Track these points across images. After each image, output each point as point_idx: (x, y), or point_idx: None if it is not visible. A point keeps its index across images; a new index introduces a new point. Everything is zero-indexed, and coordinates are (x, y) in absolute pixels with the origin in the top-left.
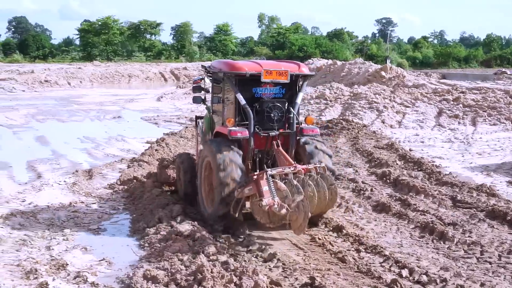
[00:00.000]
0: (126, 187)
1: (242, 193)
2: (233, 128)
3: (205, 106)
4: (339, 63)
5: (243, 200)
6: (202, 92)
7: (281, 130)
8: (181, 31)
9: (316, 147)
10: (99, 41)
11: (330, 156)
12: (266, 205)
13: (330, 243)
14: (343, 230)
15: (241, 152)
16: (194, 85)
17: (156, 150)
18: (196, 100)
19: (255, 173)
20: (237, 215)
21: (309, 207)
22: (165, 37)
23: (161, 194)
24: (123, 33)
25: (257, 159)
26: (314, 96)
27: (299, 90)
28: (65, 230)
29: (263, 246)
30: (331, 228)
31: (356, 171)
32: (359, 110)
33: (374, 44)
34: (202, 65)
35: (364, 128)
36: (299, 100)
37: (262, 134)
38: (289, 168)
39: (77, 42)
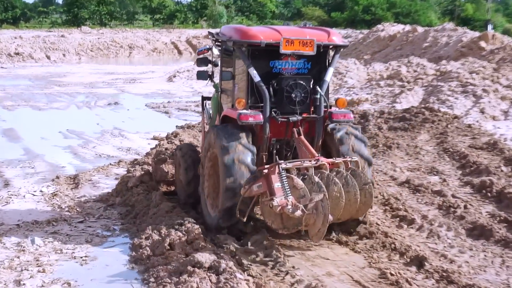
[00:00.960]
0: (124, 199)
1: (250, 190)
2: (244, 111)
3: (212, 83)
4: (420, 29)
5: (254, 200)
6: (209, 66)
7: (304, 115)
8: None
9: (346, 132)
10: (88, 1)
11: (365, 144)
12: (277, 206)
13: (407, 281)
14: (425, 263)
15: (254, 149)
16: (198, 56)
17: (166, 149)
18: (200, 75)
19: (266, 166)
20: (245, 219)
21: (334, 210)
22: None
23: (173, 210)
24: None
25: (274, 151)
26: (385, 76)
27: (329, 65)
28: (41, 258)
29: (314, 284)
30: (409, 260)
31: (444, 180)
32: (448, 96)
33: (470, 4)
34: (209, 32)
35: (455, 120)
36: (328, 77)
37: (280, 119)
38: (310, 161)
39: (59, 0)
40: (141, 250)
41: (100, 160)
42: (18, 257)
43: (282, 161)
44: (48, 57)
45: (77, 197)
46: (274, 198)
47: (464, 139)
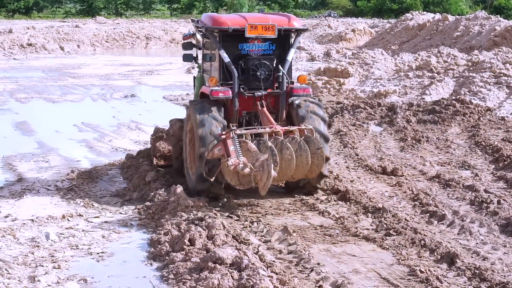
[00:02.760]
0: (142, 193)
1: (212, 153)
2: (215, 87)
3: (196, 65)
4: (451, 18)
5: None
6: (194, 49)
7: (269, 90)
8: None
9: (308, 111)
10: None
11: (324, 121)
12: (232, 165)
13: (437, 279)
14: (457, 260)
15: (224, 120)
16: (184, 41)
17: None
18: (186, 58)
19: (223, 132)
20: (212, 179)
21: (286, 170)
22: None
23: (195, 204)
24: None
25: (244, 122)
26: (414, 67)
27: (290, 46)
28: (56, 254)
29: (340, 281)
30: (439, 257)
31: (476, 174)
32: (480, 87)
33: None
34: (192, 19)
35: (488, 112)
36: (290, 57)
37: (247, 94)
38: (265, 128)
39: None
40: (159, 246)
41: (117, 154)
42: (33, 253)
43: (235, 128)
44: (62, 48)
45: (93, 192)
46: (229, 159)
47: (497, 132)
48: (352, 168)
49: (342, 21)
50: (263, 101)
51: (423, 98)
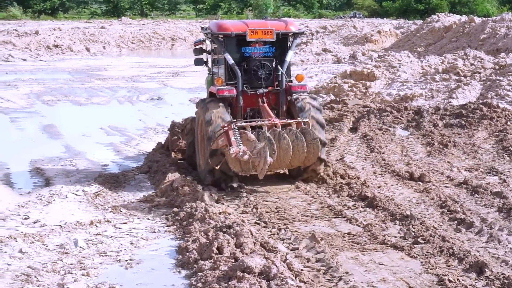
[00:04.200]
0: (169, 199)
1: (217, 143)
2: (221, 87)
3: (207, 68)
4: (477, 20)
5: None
6: (204, 54)
7: (269, 88)
8: None
9: (305, 102)
10: None
11: (320, 111)
12: (233, 153)
13: None
14: (486, 269)
15: (228, 109)
16: (195, 47)
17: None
18: (198, 62)
19: (225, 125)
20: (218, 166)
21: (284, 158)
22: None
23: (223, 211)
24: None
25: (248, 117)
26: (440, 70)
27: (289, 49)
28: (84, 261)
29: None
30: (468, 266)
31: (504, 180)
32: (508, 91)
33: None
34: (201, 27)
35: None
36: (288, 58)
37: (249, 92)
38: (264, 121)
39: None
40: (188, 253)
41: (144, 159)
42: (61, 260)
43: (235, 120)
44: (88, 49)
45: (121, 197)
46: (231, 147)
47: None
48: (379, 174)
49: (367, 22)
50: (264, 98)
51: (450, 102)
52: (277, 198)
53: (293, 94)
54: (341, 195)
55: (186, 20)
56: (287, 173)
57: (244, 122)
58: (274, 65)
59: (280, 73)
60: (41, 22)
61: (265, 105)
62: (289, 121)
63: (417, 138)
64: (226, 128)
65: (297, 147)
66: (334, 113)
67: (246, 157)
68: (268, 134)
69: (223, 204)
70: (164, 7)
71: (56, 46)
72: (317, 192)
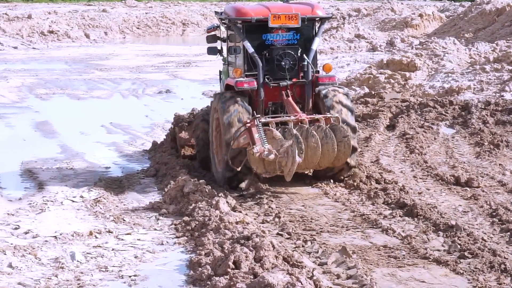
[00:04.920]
0: (179, 207)
1: (238, 142)
2: (240, 78)
3: (221, 57)
4: None
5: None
6: (218, 42)
7: (294, 80)
8: None
9: (335, 100)
10: None
11: (351, 111)
12: (257, 152)
13: None
14: None
15: (249, 108)
16: (208, 34)
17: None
18: (211, 51)
19: (248, 121)
20: (239, 168)
21: (312, 158)
22: None
23: (240, 220)
24: None
25: (270, 112)
26: (492, 59)
27: (315, 35)
28: (82, 277)
29: None
30: None
31: None
32: None
33: None
34: (215, 11)
35: None
36: (315, 46)
37: (272, 84)
38: (290, 117)
39: None
40: (200, 268)
41: (150, 160)
42: (56, 276)
43: (259, 116)
44: (87, 36)
45: (124, 204)
46: (254, 146)
47: None
48: (420, 178)
49: (407, 4)
50: (288, 91)
51: (502, 96)
52: (303, 206)
53: (321, 87)
54: (376, 202)
55: (199, 2)
56: (311, 174)
57: (268, 117)
58: (299, 54)
59: (306, 63)
60: (35, 4)
61: (290, 98)
62: (317, 116)
63: (464, 137)
64: (248, 125)
65: (326, 145)
66: (368, 108)
67: (272, 156)
68: (295, 131)
69: (240, 212)
70: None
71: (51, 32)
72: (348, 199)
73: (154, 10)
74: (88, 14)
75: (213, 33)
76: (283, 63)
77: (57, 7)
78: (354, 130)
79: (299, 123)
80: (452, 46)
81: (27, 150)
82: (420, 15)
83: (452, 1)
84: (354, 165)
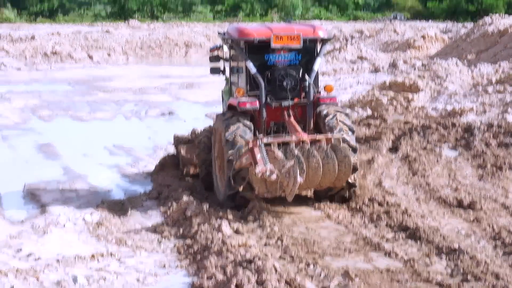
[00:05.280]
0: (182, 229)
1: (240, 162)
2: (242, 98)
3: (224, 77)
4: None
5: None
6: (221, 61)
7: (296, 100)
8: None
9: (336, 120)
10: None
11: (352, 131)
12: (259, 172)
13: None
14: None
15: (251, 126)
16: (211, 53)
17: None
18: (214, 70)
19: (250, 141)
20: (241, 188)
21: (313, 178)
22: None
23: (243, 243)
24: None
25: (272, 132)
26: (494, 80)
27: (317, 56)
28: None
29: None
30: None
31: None
32: None
33: None
34: (218, 32)
35: None
36: (316, 66)
37: (274, 104)
38: (292, 137)
39: None
40: None
41: (152, 182)
42: None
43: (261, 136)
44: (91, 57)
45: (126, 227)
46: (256, 166)
47: None
48: (422, 200)
49: (410, 25)
50: (290, 111)
51: (505, 118)
52: (305, 229)
53: (322, 107)
54: (378, 225)
55: (202, 23)
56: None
57: (270, 138)
58: (300, 75)
59: (307, 83)
60: (38, 25)
61: (292, 119)
62: (318, 136)
63: (467, 160)
64: (251, 145)
65: (327, 165)
66: (371, 130)
67: (274, 176)
68: (296, 151)
69: (243, 235)
70: (177, 9)
71: (55, 53)
72: (351, 221)
73: (157, 32)
74: (91, 35)
75: (216, 53)
76: (285, 83)
77: (60, 28)
78: (354, 150)
79: (301, 143)
80: (454, 67)
81: (29, 172)
82: (423, 37)
83: (455, 22)
84: (355, 185)
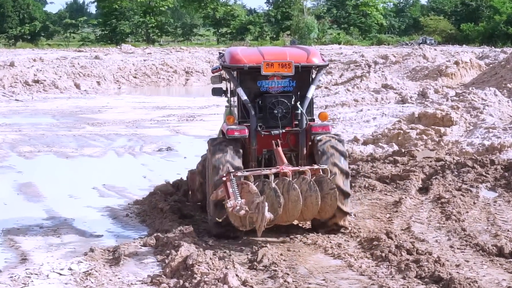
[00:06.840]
0: (182, 281)
1: (216, 195)
2: (232, 126)
3: (226, 98)
4: None
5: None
6: (224, 82)
7: (287, 128)
8: None
9: (329, 146)
10: (131, 10)
11: (344, 156)
12: (230, 207)
13: None
14: None
15: (240, 153)
16: (213, 74)
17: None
18: (216, 92)
19: (224, 175)
20: (220, 220)
21: (293, 211)
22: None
23: None
24: None
25: (263, 160)
26: None
27: (311, 83)
28: None
29: None
30: None
31: None
32: None
33: None
34: (219, 52)
35: None
36: (310, 94)
37: (263, 133)
38: (270, 169)
39: (92, 10)
40: None
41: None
42: None
43: (234, 171)
44: (78, 86)
45: (119, 278)
46: (228, 201)
47: None
48: (458, 248)
49: (441, 50)
50: (279, 140)
51: None
52: (323, 280)
53: (315, 135)
54: (407, 276)
55: (204, 48)
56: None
57: (246, 171)
58: (293, 102)
59: (299, 111)
60: (18, 50)
61: (279, 148)
62: (302, 168)
63: (507, 202)
64: (224, 179)
65: (310, 198)
66: (398, 168)
67: (242, 212)
68: (274, 185)
69: (252, 287)
70: (176, 32)
71: (37, 81)
72: (375, 271)
73: (154, 57)
74: (78, 61)
75: (218, 73)
76: (276, 112)
77: (43, 53)
78: (347, 175)
79: (283, 175)
80: (493, 97)
81: (8, 216)
82: (456, 63)
83: (493, 47)
84: (348, 212)
